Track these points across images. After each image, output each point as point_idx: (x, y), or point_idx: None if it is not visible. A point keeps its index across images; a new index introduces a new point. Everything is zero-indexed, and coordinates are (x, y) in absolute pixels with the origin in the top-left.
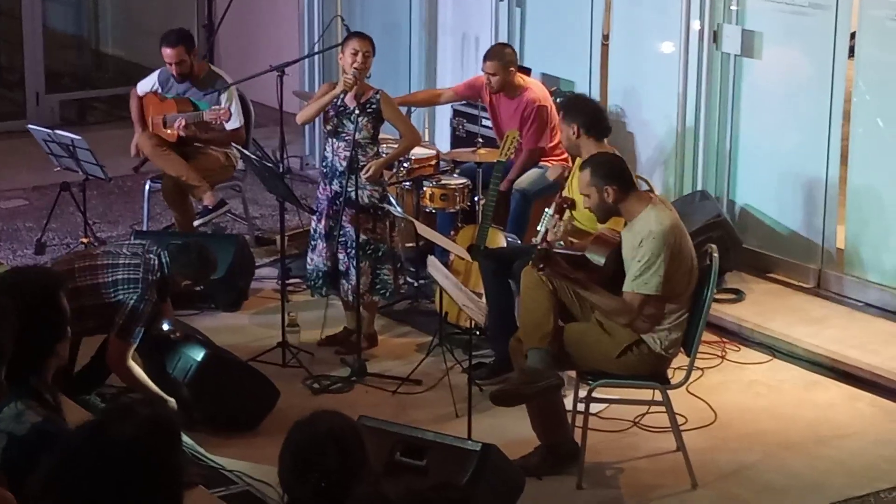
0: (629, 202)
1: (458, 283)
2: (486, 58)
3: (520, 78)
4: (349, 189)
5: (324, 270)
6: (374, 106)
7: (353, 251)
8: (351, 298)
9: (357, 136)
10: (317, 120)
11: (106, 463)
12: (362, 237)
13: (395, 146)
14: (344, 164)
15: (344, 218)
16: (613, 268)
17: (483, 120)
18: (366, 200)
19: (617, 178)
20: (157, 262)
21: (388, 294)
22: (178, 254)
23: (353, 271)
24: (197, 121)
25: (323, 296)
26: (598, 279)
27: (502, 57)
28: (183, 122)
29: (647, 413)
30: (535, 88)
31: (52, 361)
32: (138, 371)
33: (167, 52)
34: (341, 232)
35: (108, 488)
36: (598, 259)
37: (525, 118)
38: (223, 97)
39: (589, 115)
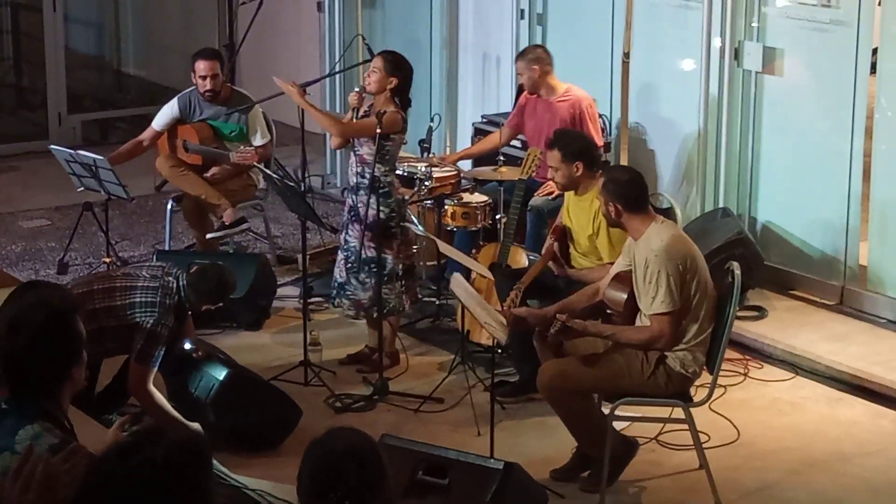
0: (634, 222)
1: (481, 300)
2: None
3: (557, 80)
4: (359, 206)
5: (339, 282)
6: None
7: (353, 266)
8: (350, 312)
9: (360, 150)
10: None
11: (137, 485)
12: (367, 254)
13: (415, 165)
14: (354, 179)
15: (350, 233)
16: (633, 302)
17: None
18: (371, 218)
19: (622, 197)
20: (175, 285)
21: (395, 311)
22: (197, 281)
23: (349, 285)
24: (223, 161)
25: (335, 306)
26: (620, 321)
27: (524, 55)
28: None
29: (666, 430)
30: (577, 89)
31: (68, 385)
32: (159, 397)
33: (202, 64)
34: (345, 246)
35: None
36: (620, 296)
37: (577, 118)
38: (247, 118)
39: (589, 154)
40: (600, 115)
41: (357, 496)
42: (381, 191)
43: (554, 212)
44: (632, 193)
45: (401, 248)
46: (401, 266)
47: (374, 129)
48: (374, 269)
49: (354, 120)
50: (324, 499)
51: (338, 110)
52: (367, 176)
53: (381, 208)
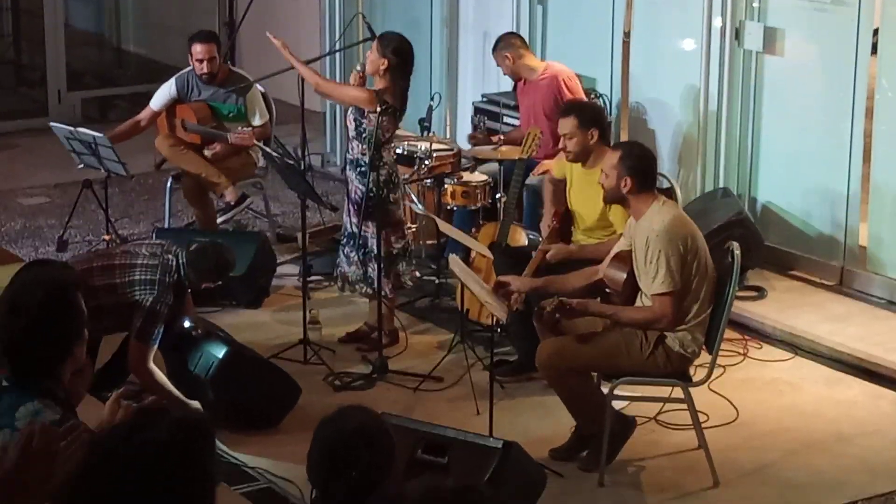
0: (640, 200)
1: (479, 280)
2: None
3: (535, 60)
4: (348, 181)
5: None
6: None
7: (344, 239)
8: (338, 284)
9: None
10: (338, 116)
11: (140, 463)
12: (354, 230)
13: (416, 144)
14: (348, 155)
15: (345, 206)
16: (633, 281)
17: (504, 117)
18: (353, 195)
19: (639, 173)
20: (174, 262)
21: (371, 291)
22: (196, 259)
23: (340, 257)
24: (221, 141)
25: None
26: (619, 300)
27: (495, 48)
28: (213, 149)
29: (665, 410)
30: (555, 65)
31: (69, 362)
32: (160, 375)
33: (199, 48)
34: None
35: (142, 489)
36: (620, 275)
37: (556, 92)
38: (245, 99)
39: (603, 122)
40: (599, 95)
41: (367, 475)
42: (359, 169)
43: None
44: (648, 171)
45: (381, 228)
46: (380, 248)
47: (341, 92)
48: (358, 245)
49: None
50: (334, 477)
51: None
52: (349, 152)
53: (359, 186)
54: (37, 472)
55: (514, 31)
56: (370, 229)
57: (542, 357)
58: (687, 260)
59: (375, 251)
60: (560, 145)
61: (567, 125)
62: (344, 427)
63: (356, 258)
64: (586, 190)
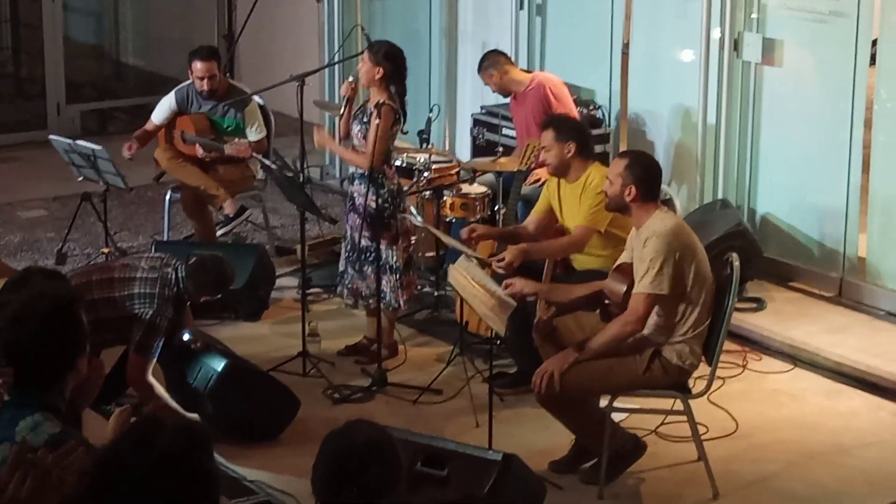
0: (643, 209)
1: (485, 281)
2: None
3: (521, 73)
4: (355, 195)
5: (341, 270)
6: (367, 116)
7: (350, 254)
8: (349, 301)
9: (353, 140)
10: (338, 129)
11: (145, 474)
12: (364, 243)
13: (414, 156)
14: (351, 168)
15: (349, 222)
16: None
17: (503, 129)
18: (362, 209)
19: (644, 182)
20: (174, 276)
21: (389, 307)
22: (195, 272)
23: (347, 273)
24: (218, 152)
25: (337, 294)
26: (618, 312)
27: (480, 68)
28: (202, 152)
29: (666, 423)
30: (542, 75)
31: (72, 377)
32: (159, 388)
33: (199, 65)
34: (346, 234)
35: (147, 500)
36: (620, 287)
37: (544, 101)
38: (245, 114)
39: (583, 136)
40: (598, 107)
41: (374, 489)
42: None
43: None
44: (653, 180)
45: (395, 239)
46: (395, 259)
47: (382, 128)
48: (370, 259)
49: (346, 112)
50: (341, 491)
51: (336, 101)
52: (357, 167)
53: (372, 199)
54: (31, 492)
55: (511, 42)
56: (385, 240)
57: (540, 395)
58: (682, 269)
59: (392, 262)
60: (541, 158)
61: (545, 138)
62: (353, 441)
63: (370, 272)
64: (572, 204)
